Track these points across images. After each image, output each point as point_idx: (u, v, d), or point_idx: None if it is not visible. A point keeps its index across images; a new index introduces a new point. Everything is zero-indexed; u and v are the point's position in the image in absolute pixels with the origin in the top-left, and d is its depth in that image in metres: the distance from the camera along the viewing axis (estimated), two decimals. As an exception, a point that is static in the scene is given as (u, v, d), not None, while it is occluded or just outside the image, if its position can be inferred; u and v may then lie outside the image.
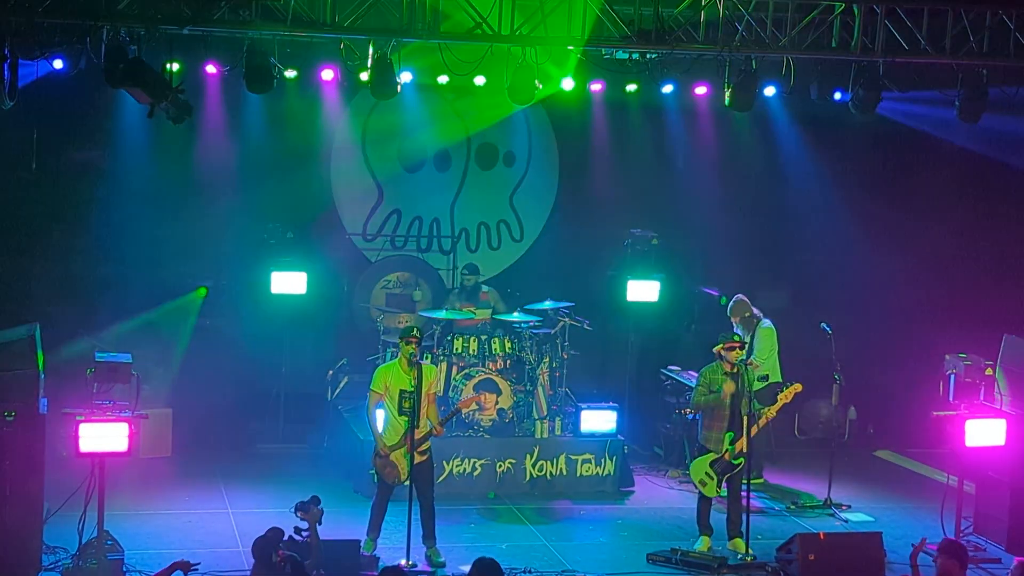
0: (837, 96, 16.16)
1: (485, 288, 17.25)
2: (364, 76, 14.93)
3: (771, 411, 13.95)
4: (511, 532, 14.29)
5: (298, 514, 11.53)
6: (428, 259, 18.38)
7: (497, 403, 15.45)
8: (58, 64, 14.70)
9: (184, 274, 16.88)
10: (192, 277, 16.92)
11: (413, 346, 12.99)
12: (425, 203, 18.46)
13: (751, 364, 15.50)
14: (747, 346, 15.65)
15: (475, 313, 16.37)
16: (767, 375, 15.70)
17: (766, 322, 16.03)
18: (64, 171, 16.34)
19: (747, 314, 16.04)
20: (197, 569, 10.42)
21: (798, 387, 14.30)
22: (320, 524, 11.59)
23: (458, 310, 16.47)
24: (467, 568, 12.49)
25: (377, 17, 14.10)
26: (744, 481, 15.49)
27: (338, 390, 16.82)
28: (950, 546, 10.88)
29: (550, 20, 14.26)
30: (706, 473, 13.78)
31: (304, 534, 11.42)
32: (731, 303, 16.20)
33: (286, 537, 10.80)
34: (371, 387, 13.30)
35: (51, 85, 15.13)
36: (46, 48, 13.77)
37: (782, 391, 14.45)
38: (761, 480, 15.94)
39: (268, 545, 10.28)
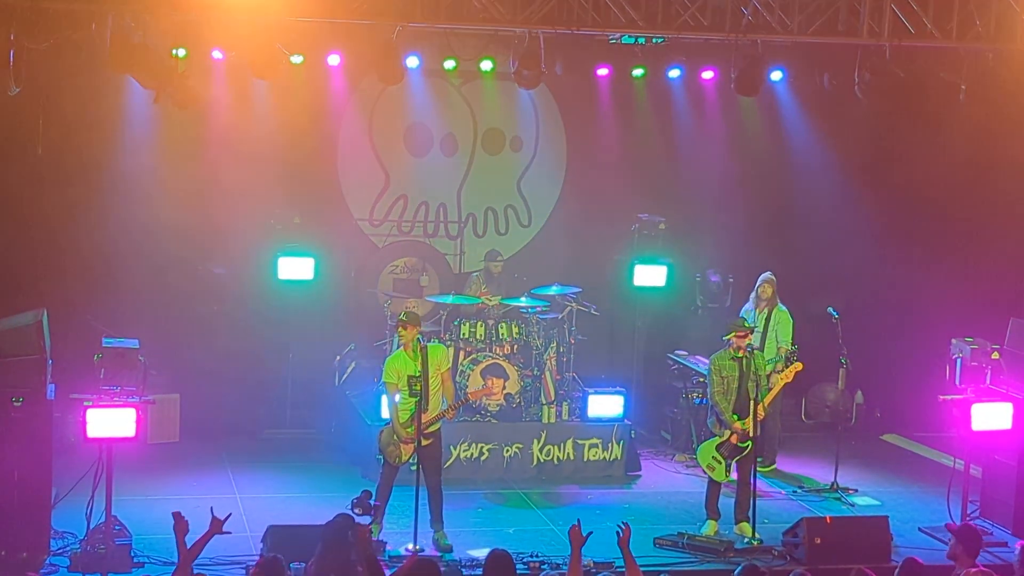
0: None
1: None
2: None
3: (769, 396, 13.97)
4: (518, 517, 14.31)
5: (356, 510, 11.52)
6: (435, 244, 18.37)
7: (504, 388, 15.45)
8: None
9: (191, 259, 16.87)
10: (199, 262, 16.91)
11: (404, 330, 13.09)
12: (432, 188, 18.42)
13: (781, 350, 15.54)
14: (764, 326, 15.67)
15: (486, 300, 16.31)
16: (794, 351, 15.60)
17: (783, 305, 15.98)
18: (70, 156, 16.32)
19: (771, 292, 15.98)
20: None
21: (798, 366, 14.34)
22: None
23: (477, 295, 16.43)
24: (474, 552, 12.63)
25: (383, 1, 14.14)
26: (766, 468, 15.71)
27: (345, 375, 16.83)
28: (960, 531, 10.93)
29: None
30: (713, 457, 13.79)
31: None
32: (768, 275, 16.07)
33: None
34: (384, 379, 13.39)
35: (57, 70, 15.18)
36: (52, 33, 13.79)
37: (782, 371, 14.48)
38: (772, 467, 15.95)
39: (340, 530, 10.32)
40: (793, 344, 15.61)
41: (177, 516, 9.85)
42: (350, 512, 11.22)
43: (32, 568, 11.72)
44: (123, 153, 16.51)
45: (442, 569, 10.06)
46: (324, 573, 10.13)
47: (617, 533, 9.96)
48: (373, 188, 18.24)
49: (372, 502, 11.85)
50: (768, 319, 15.86)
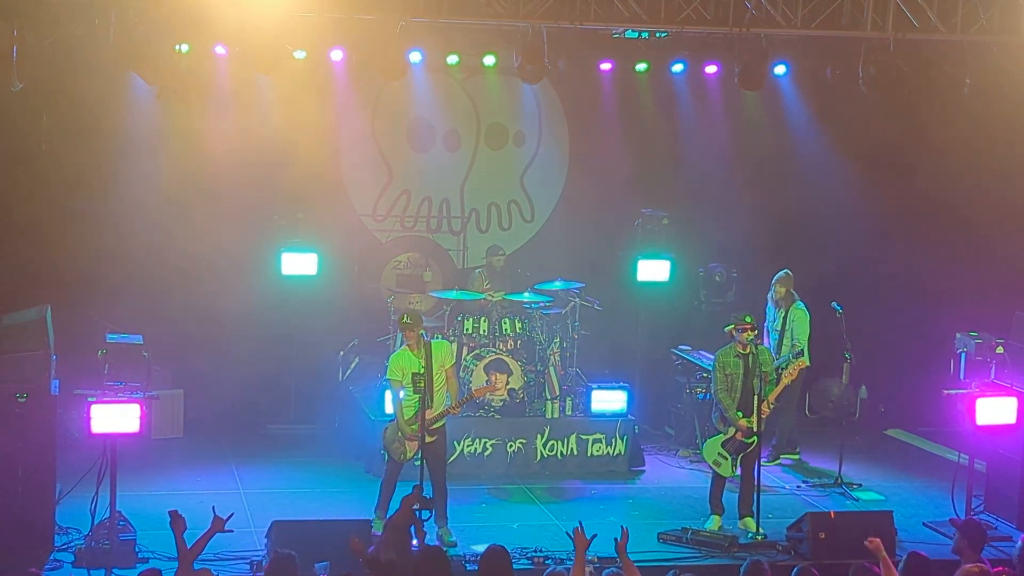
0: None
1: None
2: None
3: (773, 392, 13.96)
4: (522, 512, 14.30)
5: (414, 505, 11.57)
6: (438, 240, 18.36)
7: (508, 383, 15.43)
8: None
9: (194, 255, 16.84)
10: (202, 257, 16.89)
11: (409, 332, 13.11)
12: (435, 183, 18.40)
13: (795, 347, 15.51)
14: (782, 325, 15.66)
15: (489, 296, 16.27)
16: (801, 349, 15.60)
17: (802, 304, 15.92)
18: (73, 152, 16.31)
19: (788, 289, 15.94)
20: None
21: (802, 363, 14.30)
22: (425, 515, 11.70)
23: (480, 291, 16.41)
24: (478, 547, 12.61)
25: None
26: (771, 462, 15.73)
27: (349, 371, 16.84)
28: (964, 526, 10.93)
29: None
30: (719, 454, 13.78)
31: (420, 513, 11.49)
32: (780, 274, 16.04)
33: None
34: (388, 376, 13.42)
35: (60, 66, 15.15)
36: (54, 29, 13.78)
37: (785, 368, 14.45)
38: (797, 455, 15.99)
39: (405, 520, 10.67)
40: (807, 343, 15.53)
41: (174, 514, 9.91)
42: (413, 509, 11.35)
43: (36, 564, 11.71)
44: (126, 148, 16.49)
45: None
46: (387, 549, 10.35)
47: (615, 539, 9.99)
48: (376, 183, 18.22)
49: (427, 496, 11.90)
50: (786, 318, 15.81)
